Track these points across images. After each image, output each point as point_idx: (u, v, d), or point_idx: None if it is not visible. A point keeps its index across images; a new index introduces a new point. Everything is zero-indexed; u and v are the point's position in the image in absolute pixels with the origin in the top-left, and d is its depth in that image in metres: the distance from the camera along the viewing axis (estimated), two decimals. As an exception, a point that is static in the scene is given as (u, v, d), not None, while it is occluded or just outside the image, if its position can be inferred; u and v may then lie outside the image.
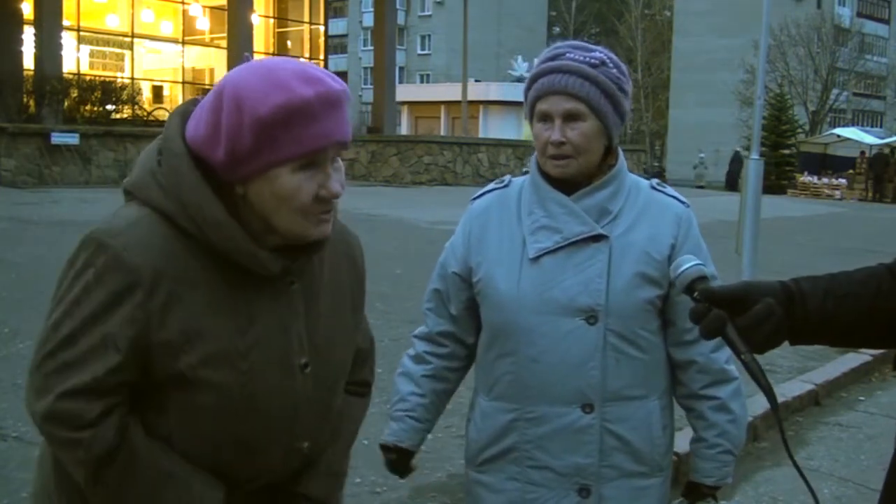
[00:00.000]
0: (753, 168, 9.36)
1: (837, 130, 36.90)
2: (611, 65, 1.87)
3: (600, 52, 1.88)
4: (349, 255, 1.64)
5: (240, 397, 1.40)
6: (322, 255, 1.53)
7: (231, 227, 1.36)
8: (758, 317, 1.31)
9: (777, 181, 32.04)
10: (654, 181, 2.02)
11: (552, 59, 1.87)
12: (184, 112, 1.44)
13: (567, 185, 1.90)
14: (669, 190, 2.00)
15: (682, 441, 2.18)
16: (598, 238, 1.87)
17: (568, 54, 1.86)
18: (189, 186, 1.35)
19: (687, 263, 1.38)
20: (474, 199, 2.05)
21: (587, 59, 1.85)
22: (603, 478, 1.90)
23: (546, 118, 1.86)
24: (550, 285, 1.86)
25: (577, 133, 1.84)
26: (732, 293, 1.34)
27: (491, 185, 2.06)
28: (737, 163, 31.96)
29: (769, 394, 1.30)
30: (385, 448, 2.05)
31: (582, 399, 1.87)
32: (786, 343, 1.38)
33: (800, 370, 6.15)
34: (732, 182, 31.94)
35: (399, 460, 2.05)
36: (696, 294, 1.35)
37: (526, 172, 2.02)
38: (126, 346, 1.34)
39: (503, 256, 1.92)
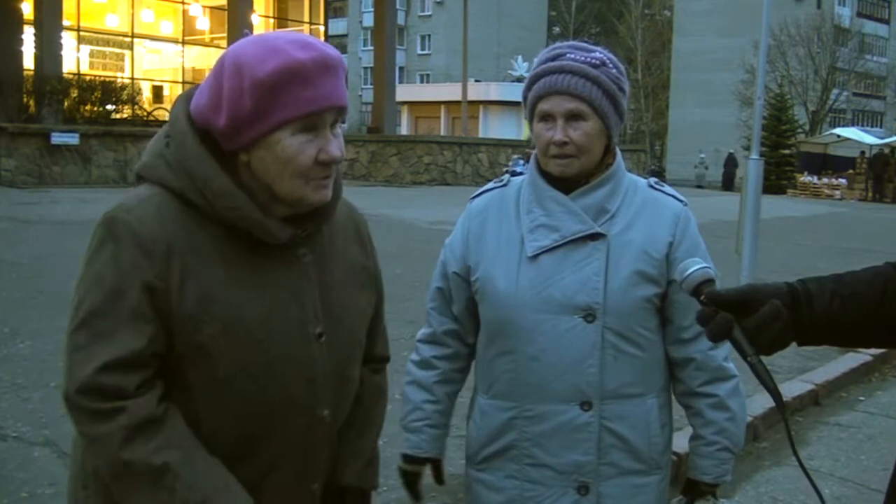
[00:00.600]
0: (753, 168, 9.35)
1: (837, 130, 36.87)
2: (611, 65, 1.88)
3: (600, 53, 1.89)
4: (358, 234, 1.68)
5: (259, 365, 1.42)
6: (332, 230, 1.57)
7: (237, 196, 1.40)
8: (765, 319, 1.31)
9: (777, 181, 32.06)
10: (653, 180, 2.02)
11: (552, 59, 1.88)
12: (188, 95, 1.49)
13: (566, 184, 1.90)
14: (667, 188, 2.00)
15: (683, 440, 2.18)
16: (595, 236, 1.87)
17: (568, 54, 1.87)
18: (195, 159, 1.40)
19: (693, 266, 1.39)
20: (473, 198, 2.06)
21: (588, 59, 1.86)
22: (601, 475, 1.90)
23: (548, 118, 1.87)
24: (548, 283, 1.86)
25: (580, 133, 1.85)
26: (739, 296, 1.34)
27: (490, 185, 2.06)
28: (731, 164, 33.54)
29: (776, 396, 1.30)
30: (411, 460, 2.05)
31: (580, 397, 1.87)
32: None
33: (800, 370, 6.15)
34: (728, 182, 32.95)
35: (416, 473, 2.07)
36: (702, 297, 1.35)
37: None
38: (151, 315, 1.36)
39: (501, 255, 1.92)
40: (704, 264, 1.40)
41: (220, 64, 1.41)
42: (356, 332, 1.62)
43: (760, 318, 1.31)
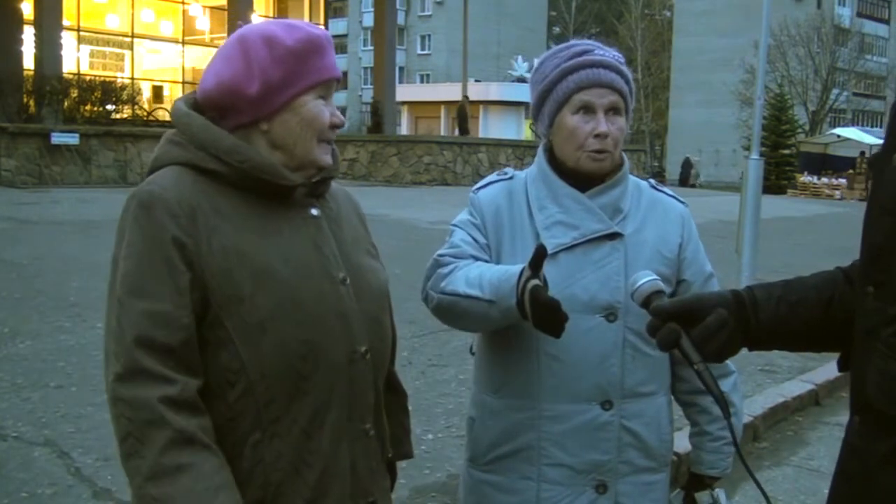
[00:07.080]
0: (753, 168, 9.35)
1: (837, 130, 36.91)
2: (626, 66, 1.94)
3: (617, 52, 1.93)
4: (358, 214, 1.79)
5: (291, 307, 1.50)
6: (338, 202, 1.70)
7: (249, 148, 1.53)
8: (710, 328, 1.36)
9: (777, 181, 32.11)
10: (652, 181, 2.05)
11: (583, 53, 1.88)
12: (185, 98, 1.61)
13: (578, 182, 1.90)
14: (667, 190, 2.03)
15: (683, 440, 2.19)
16: (613, 236, 1.88)
17: (597, 51, 1.89)
18: (203, 130, 1.53)
19: (643, 279, 1.46)
20: (478, 188, 2.00)
21: (616, 57, 1.90)
22: (618, 473, 1.90)
23: (588, 110, 1.86)
24: (570, 282, 1.85)
25: (617, 127, 1.87)
26: (682, 307, 1.39)
27: (493, 177, 2.01)
28: (687, 166, 38.38)
29: (721, 403, 1.37)
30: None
31: (602, 396, 1.87)
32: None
33: (800, 370, 6.15)
34: (683, 182, 36.91)
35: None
36: (650, 309, 1.42)
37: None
38: (184, 268, 1.44)
39: (517, 252, 1.89)
40: (653, 276, 1.46)
41: (242, 40, 1.54)
42: (376, 286, 1.68)
43: (706, 328, 1.36)
